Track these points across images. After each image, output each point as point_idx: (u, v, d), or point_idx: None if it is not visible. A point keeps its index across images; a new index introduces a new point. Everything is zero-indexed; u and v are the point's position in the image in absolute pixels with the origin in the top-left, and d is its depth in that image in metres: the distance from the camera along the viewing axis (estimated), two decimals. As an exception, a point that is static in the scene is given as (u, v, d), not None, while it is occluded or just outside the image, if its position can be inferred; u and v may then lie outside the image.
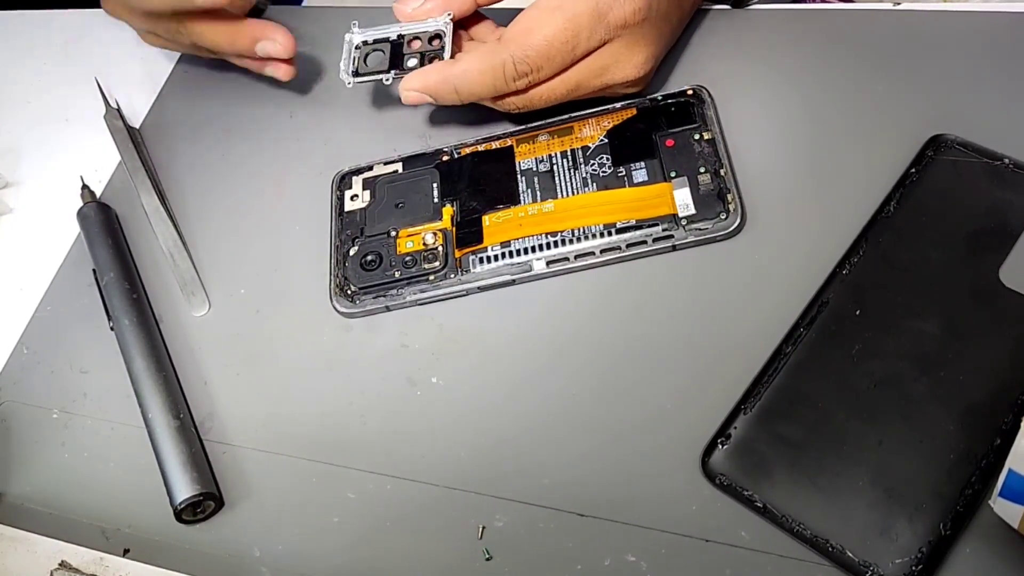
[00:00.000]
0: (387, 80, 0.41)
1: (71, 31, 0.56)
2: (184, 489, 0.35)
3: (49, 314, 0.44)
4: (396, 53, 0.41)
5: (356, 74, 0.41)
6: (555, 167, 0.40)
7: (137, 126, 0.49)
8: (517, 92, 0.39)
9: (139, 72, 0.51)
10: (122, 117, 0.49)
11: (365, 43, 0.41)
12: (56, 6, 0.57)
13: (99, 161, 0.48)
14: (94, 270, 0.43)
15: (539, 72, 0.38)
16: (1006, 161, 0.35)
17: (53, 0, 0.57)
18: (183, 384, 0.39)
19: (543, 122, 0.41)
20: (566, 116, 0.41)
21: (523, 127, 0.42)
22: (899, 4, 0.41)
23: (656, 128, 0.39)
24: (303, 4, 0.53)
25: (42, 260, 0.46)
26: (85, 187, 0.46)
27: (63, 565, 0.37)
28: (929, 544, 0.29)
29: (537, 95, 0.39)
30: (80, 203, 0.46)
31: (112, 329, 0.41)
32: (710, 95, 0.40)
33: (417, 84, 0.39)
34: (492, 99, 0.40)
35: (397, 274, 0.39)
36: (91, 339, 0.42)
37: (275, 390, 0.39)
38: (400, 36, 0.41)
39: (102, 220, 0.44)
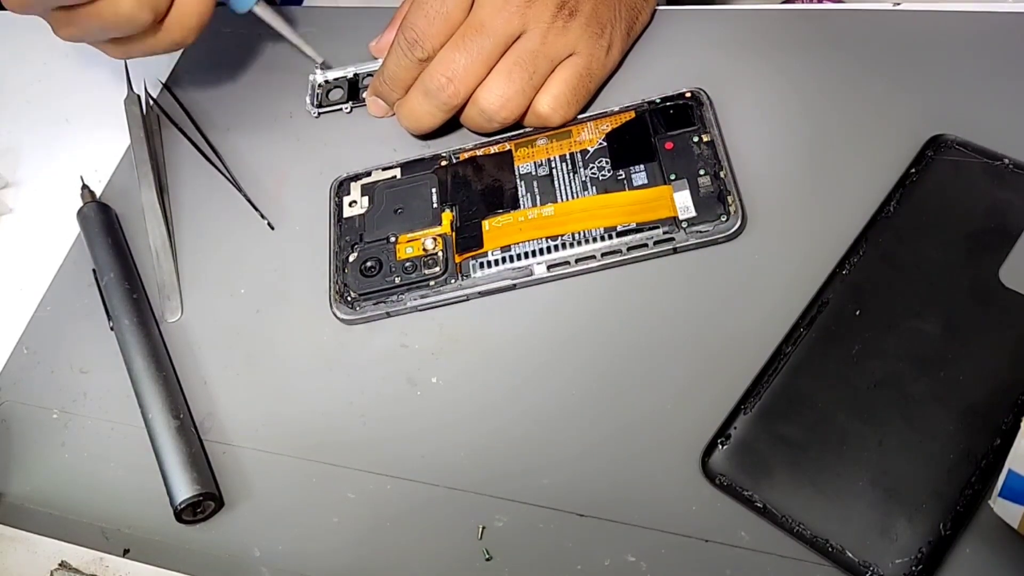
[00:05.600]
0: (346, 110, 0.46)
1: (71, 31, 0.55)
2: (184, 489, 0.35)
3: (49, 314, 0.44)
4: (353, 88, 0.47)
5: (320, 107, 0.46)
6: (554, 171, 0.40)
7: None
8: (441, 83, 0.39)
9: (138, 73, 0.51)
10: (141, 105, 0.48)
11: (327, 81, 0.47)
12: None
13: (99, 161, 0.48)
14: (94, 270, 0.43)
15: (424, 34, 0.39)
16: (1006, 161, 0.35)
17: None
18: (183, 384, 0.39)
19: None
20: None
21: (521, 131, 0.42)
22: (899, 4, 0.41)
23: (655, 131, 0.39)
24: (303, 4, 0.53)
25: (42, 260, 0.46)
26: (85, 187, 0.46)
27: (63, 565, 0.37)
28: (929, 544, 0.29)
29: (483, 97, 0.39)
30: (80, 203, 0.46)
31: (112, 329, 0.41)
32: (708, 97, 0.40)
33: (368, 90, 0.44)
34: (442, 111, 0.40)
35: (397, 280, 0.39)
36: (91, 339, 0.42)
37: (275, 390, 0.39)
38: (355, 75, 0.47)
39: (102, 220, 0.44)
